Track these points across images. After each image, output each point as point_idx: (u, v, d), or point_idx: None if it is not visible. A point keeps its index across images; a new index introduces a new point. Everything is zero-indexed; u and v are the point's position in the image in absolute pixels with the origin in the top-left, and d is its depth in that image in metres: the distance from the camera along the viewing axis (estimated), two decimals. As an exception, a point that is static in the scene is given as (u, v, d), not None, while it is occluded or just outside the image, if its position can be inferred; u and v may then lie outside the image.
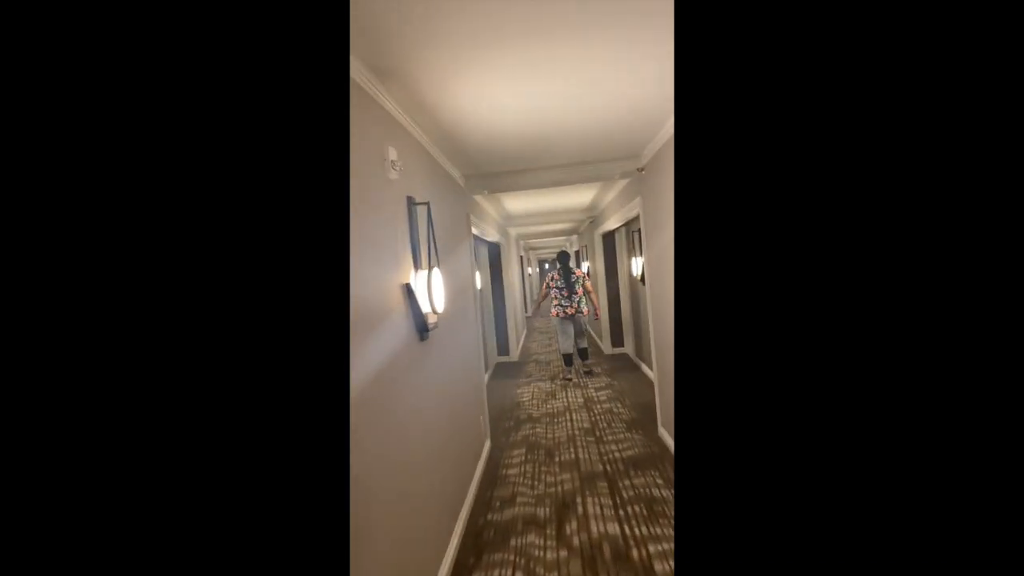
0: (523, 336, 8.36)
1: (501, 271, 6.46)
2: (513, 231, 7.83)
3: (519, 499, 2.60)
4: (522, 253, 11.07)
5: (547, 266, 25.76)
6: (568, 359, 5.10)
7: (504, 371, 5.89)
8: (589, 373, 5.25)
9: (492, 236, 5.03)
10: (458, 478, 2.35)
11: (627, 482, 2.67)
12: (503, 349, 6.50)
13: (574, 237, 10.12)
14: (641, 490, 2.56)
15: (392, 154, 1.66)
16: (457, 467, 2.34)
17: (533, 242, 11.61)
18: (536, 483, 2.77)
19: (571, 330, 5.03)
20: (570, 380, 5.06)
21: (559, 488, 2.68)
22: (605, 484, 2.68)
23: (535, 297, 16.53)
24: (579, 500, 2.53)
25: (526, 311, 12.06)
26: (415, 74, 1.57)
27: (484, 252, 6.32)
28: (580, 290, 4.96)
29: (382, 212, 1.55)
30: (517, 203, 4.95)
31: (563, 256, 5.10)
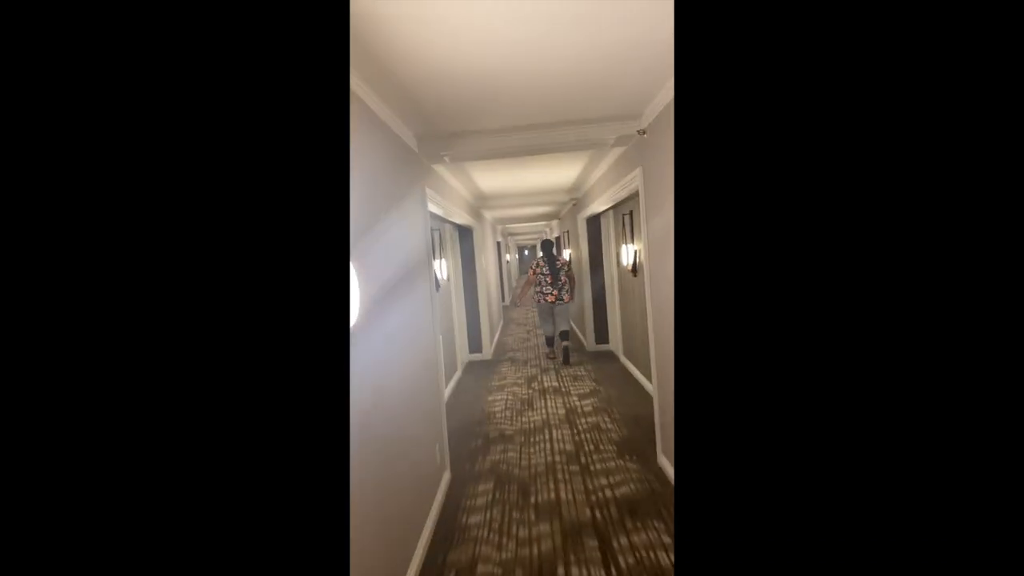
0: (499, 329, 7.70)
1: (474, 258, 5.75)
2: (488, 214, 7.11)
3: (480, 567, 1.94)
4: (499, 239, 10.36)
5: (527, 253, 25.49)
6: (550, 340, 5.48)
7: (475, 372, 5.22)
8: (566, 359, 5.20)
9: (461, 218, 4.33)
10: (396, 541, 1.68)
11: (624, 540, 2.04)
12: (475, 345, 5.83)
13: (555, 223, 9.46)
14: (643, 553, 1.94)
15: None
16: (396, 527, 1.67)
17: (512, 227, 10.92)
18: (505, 540, 2.12)
19: (551, 315, 5.26)
20: (553, 359, 5.40)
21: (535, 548, 2.04)
22: (595, 543, 2.04)
23: (514, 285, 15.94)
24: (561, 570, 1.89)
25: (503, 301, 11.39)
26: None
27: (455, 237, 5.60)
28: (564, 278, 5.10)
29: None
30: (490, 179, 4.24)
31: (547, 244, 5.19)
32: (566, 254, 7.15)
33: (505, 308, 10.66)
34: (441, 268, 4.15)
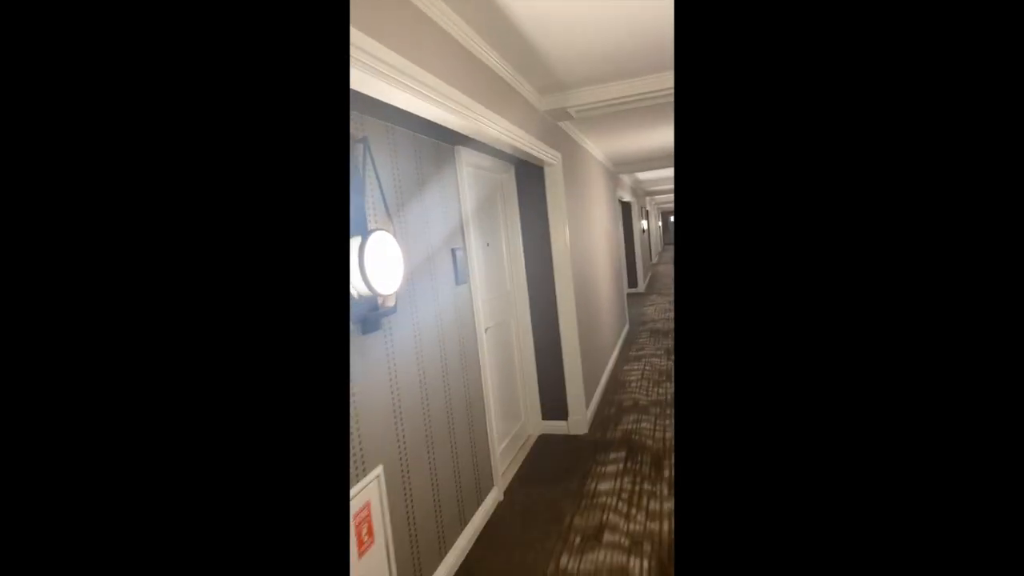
0: (617, 351, 4.62)
1: (547, 222, 2.78)
2: (595, 146, 4.01)
3: None
4: (628, 197, 7.11)
5: (672, 219, 21.91)
6: None
7: (536, 484, 2.33)
8: None
9: (462, 115, 1.40)
10: None
11: None
12: (554, 406, 2.89)
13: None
14: None
15: None
16: None
17: (644, 178, 7.57)
18: None
19: None
20: None
21: None
22: None
23: (653, 261, 12.57)
24: None
25: (633, 286, 8.13)
26: None
27: (503, 183, 2.69)
28: None
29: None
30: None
31: None
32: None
33: (637, 297, 7.41)
34: (362, 273, 1.33)
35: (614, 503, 2.08)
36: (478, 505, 2.03)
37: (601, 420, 3.00)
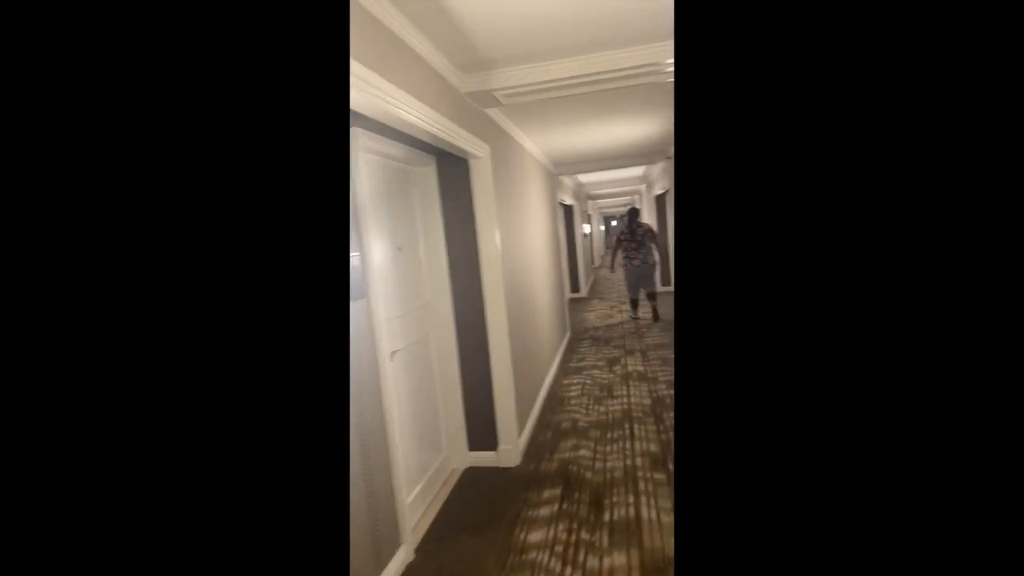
0: (557, 361, 4.31)
1: (472, 221, 2.41)
2: (531, 144, 3.69)
3: None
4: (570, 201, 6.88)
5: (614, 223, 22.38)
6: (634, 304, 5.61)
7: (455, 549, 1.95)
8: (656, 318, 5.45)
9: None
10: None
11: None
12: (481, 434, 2.52)
13: (660, 168, 5.84)
14: None
15: None
16: None
17: (588, 179, 7.41)
18: None
19: (636, 279, 5.41)
20: (637, 319, 5.59)
21: None
22: None
23: (596, 265, 12.53)
24: None
25: (575, 291, 7.92)
26: None
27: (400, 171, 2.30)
28: (650, 244, 5.29)
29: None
30: None
31: (633, 212, 5.38)
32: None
33: (579, 302, 7.19)
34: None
35: (546, 560, 1.74)
36: (378, 574, 1.63)
37: (536, 447, 2.67)
